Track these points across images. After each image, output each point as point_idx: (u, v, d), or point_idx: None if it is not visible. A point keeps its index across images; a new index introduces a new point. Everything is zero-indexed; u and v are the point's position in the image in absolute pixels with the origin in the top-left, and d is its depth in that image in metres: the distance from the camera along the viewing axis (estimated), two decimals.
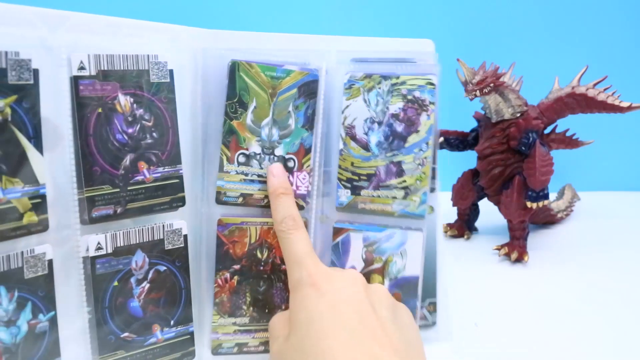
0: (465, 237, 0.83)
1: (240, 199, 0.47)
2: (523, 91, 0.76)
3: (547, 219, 0.89)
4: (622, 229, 0.88)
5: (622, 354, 0.51)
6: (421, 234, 0.48)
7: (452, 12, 1.04)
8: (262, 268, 0.48)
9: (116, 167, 0.41)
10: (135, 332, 0.43)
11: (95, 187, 0.41)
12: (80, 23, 0.41)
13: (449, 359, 0.51)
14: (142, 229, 0.43)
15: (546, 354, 0.51)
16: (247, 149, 0.47)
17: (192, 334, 0.46)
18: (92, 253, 0.41)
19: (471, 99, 0.73)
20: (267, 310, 0.48)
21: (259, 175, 0.47)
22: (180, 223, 0.45)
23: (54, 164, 0.40)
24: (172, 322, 0.45)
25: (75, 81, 0.40)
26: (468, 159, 0.85)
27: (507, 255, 0.74)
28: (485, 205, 0.85)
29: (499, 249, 0.76)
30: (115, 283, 0.42)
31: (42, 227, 0.38)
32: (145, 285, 0.43)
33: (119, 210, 0.41)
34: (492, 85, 0.71)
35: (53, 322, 0.39)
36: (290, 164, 0.48)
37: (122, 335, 0.42)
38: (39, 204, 0.38)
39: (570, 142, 0.82)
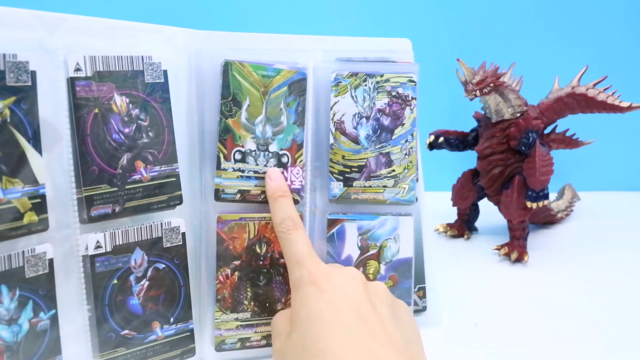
0: (465, 237, 0.83)
1: (238, 196, 0.47)
2: (523, 91, 0.76)
3: (547, 219, 0.89)
4: (622, 229, 0.87)
5: (622, 354, 0.50)
6: (412, 219, 0.50)
7: (452, 12, 1.04)
8: (261, 263, 0.48)
9: (114, 167, 0.42)
10: (135, 329, 0.43)
11: (94, 187, 0.41)
12: (77, 25, 0.42)
13: (440, 343, 0.51)
14: (141, 227, 0.43)
15: (546, 354, 0.50)
16: (242, 146, 0.47)
17: (192, 331, 0.46)
18: (91, 252, 0.41)
19: (471, 99, 0.73)
20: (267, 304, 0.48)
21: (255, 172, 0.48)
22: (179, 221, 0.45)
23: (53, 164, 0.40)
24: (171, 320, 0.45)
25: (72, 82, 0.40)
26: (468, 159, 0.85)
27: (507, 255, 0.74)
28: (485, 205, 0.85)
29: (499, 249, 0.75)
30: (115, 281, 0.42)
31: (43, 226, 0.39)
32: (145, 283, 0.43)
33: (117, 209, 0.42)
34: (492, 85, 0.71)
35: (54, 320, 0.39)
36: (284, 159, 0.48)
37: (122, 333, 0.42)
38: (39, 203, 0.38)
39: (570, 142, 0.82)
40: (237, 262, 0.48)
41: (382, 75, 0.48)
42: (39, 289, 0.39)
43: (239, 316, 0.48)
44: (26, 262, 0.38)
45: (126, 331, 0.42)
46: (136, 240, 0.43)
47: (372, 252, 0.49)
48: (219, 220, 0.47)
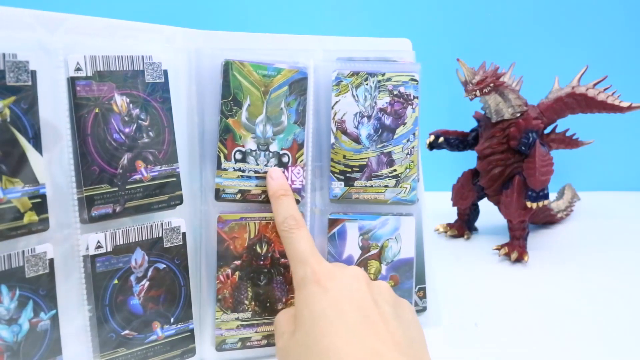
0: (465, 237, 0.83)
1: (239, 196, 0.47)
2: (523, 91, 0.76)
3: (547, 219, 0.89)
4: (622, 229, 0.87)
5: (622, 354, 0.50)
6: (413, 219, 0.50)
7: (452, 12, 1.04)
8: (262, 262, 0.48)
9: (114, 167, 0.42)
10: (135, 329, 0.43)
11: (94, 187, 0.41)
12: (76, 25, 0.41)
13: (440, 343, 0.51)
14: (141, 227, 0.43)
15: (546, 354, 0.50)
16: (243, 146, 0.47)
17: (192, 331, 0.46)
18: (92, 252, 0.41)
19: (471, 99, 0.72)
20: (268, 304, 0.48)
21: (255, 172, 0.47)
22: (179, 221, 0.45)
23: (53, 164, 0.40)
24: (172, 320, 0.44)
25: (72, 82, 0.40)
26: (468, 159, 0.84)
27: (507, 255, 0.74)
28: (485, 205, 0.84)
29: (499, 249, 0.75)
30: (115, 281, 0.42)
31: (43, 226, 0.38)
32: (145, 283, 0.43)
33: (117, 209, 0.41)
34: (492, 85, 0.71)
35: (54, 320, 0.39)
36: (285, 159, 0.48)
37: (122, 333, 0.42)
38: (39, 203, 0.38)
39: (570, 142, 0.81)
40: (237, 262, 0.48)
41: (383, 74, 0.48)
42: (39, 289, 0.38)
43: (240, 316, 0.48)
44: (26, 262, 0.38)
45: (127, 331, 0.42)
46: (137, 240, 0.43)
47: (373, 252, 0.49)
48: (219, 220, 0.47)
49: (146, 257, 0.43)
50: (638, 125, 1.07)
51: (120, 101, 0.42)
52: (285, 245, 0.44)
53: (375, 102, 0.48)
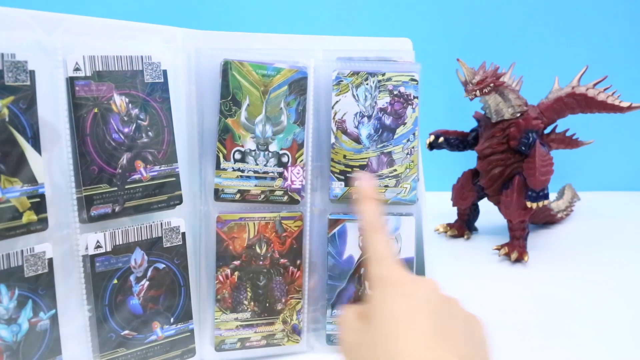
0: (465, 237, 0.82)
1: (238, 196, 0.47)
2: (523, 91, 0.76)
3: (547, 219, 0.89)
4: (622, 229, 0.87)
5: (622, 354, 0.50)
6: (413, 219, 0.50)
7: (452, 12, 1.04)
8: (261, 263, 0.48)
9: (113, 166, 0.41)
10: (135, 329, 0.43)
11: (93, 186, 0.41)
12: (75, 25, 0.41)
13: None
14: (141, 227, 0.43)
15: (546, 354, 0.50)
16: (242, 146, 0.47)
17: (192, 331, 0.46)
18: (91, 251, 0.41)
19: (471, 99, 0.72)
20: (267, 304, 0.48)
21: (255, 172, 0.47)
22: (178, 221, 0.45)
23: (52, 163, 0.40)
24: (172, 320, 0.44)
25: (71, 82, 0.40)
26: (468, 159, 0.84)
27: (507, 255, 0.74)
28: (485, 205, 0.84)
29: (499, 249, 0.75)
30: (115, 281, 0.42)
31: (42, 226, 0.38)
32: (145, 283, 0.43)
33: (117, 208, 0.41)
34: (492, 85, 0.71)
35: (54, 320, 0.39)
36: (284, 159, 0.48)
37: (122, 333, 0.42)
38: (38, 203, 0.38)
39: (570, 142, 0.81)
40: (237, 262, 0.47)
41: (383, 74, 0.48)
42: (38, 289, 0.38)
43: (239, 316, 0.48)
44: (25, 262, 0.38)
45: (126, 331, 0.42)
46: (136, 240, 0.43)
47: None
48: (218, 220, 0.47)
49: (146, 257, 0.43)
50: (638, 125, 1.07)
51: (120, 101, 0.42)
52: (366, 245, 0.43)
53: (376, 102, 0.47)
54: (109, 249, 0.41)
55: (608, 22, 1.05)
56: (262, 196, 0.48)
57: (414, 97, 0.48)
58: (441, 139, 0.80)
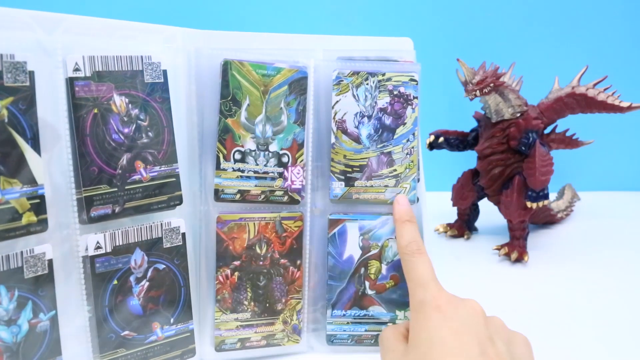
0: (465, 237, 0.82)
1: (238, 196, 0.47)
2: (523, 91, 0.76)
3: (547, 219, 0.89)
4: (622, 229, 0.87)
5: (622, 354, 0.51)
6: None
7: (452, 12, 1.04)
8: (261, 263, 0.48)
9: (113, 167, 0.41)
10: (135, 330, 0.43)
11: (93, 187, 0.41)
12: (75, 25, 0.41)
13: None
14: (141, 228, 0.43)
15: (546, 354, 0.50)
16: (242, 146, 0.47)
17: (192, 331, 0.46)
18: (91, 252, 0.41)
19: (471, 99, 0.72)
20: (267, 305, 0.48)
21: (255, 172, 0.47)
22: (179, 221, 0.45)
23: (52, 164, 0.40)
24: (172, 320, 0.44)
25: (70, 82, 0.40)
26: (468, 159, 0.85)
27: (507, 255, 0.74)
28: (485, 205, 0.84)
29: (499, 249, 0.75)
30: (115, 282, 0.42)
31: (42, 227, 0.38)
32: (145, 283, 0.43)
33: (117, 209, 0.41)
34: (492, 85, 0.71)
35: (54, 321, 0.39)
36: (285, 159, 0.48)
37: (122, 334, 0.42)
38: (38, 204, 0.38)
39: (570, 142, 0.81)
40: (237, 263, 0.47)
41: (383, 74, 0.48)
42: (38, 290, 0.38)
43: (239, 316, 0.48)
44: (25, 263, 0.38)
45: (126, 332, 0.42)
46: (136, 240, 0.43)
47: (373, 252, 0.49)
48: (218, 220, 0.47)
49: (146, 258, 0.43)
50: (638, 125, 1.07)
51: (119, 101, 0.42)
52: (406, 268, 0.44)
53: (376, 102, 0.47)
54: (109, 250, 0.41)
55: (608, 22, 1.05)
56: (262, 196, 0.48)
57: (414, 97, 0.48)
58: (441, 139, 0.80)
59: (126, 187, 0.42)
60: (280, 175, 0.48)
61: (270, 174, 0.48)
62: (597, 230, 0.86)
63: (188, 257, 0.45)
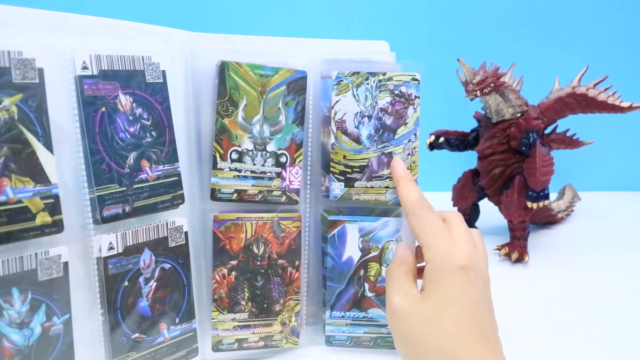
0: None
1: (235, 195, 0.53)
2: (523, 91, 0.84)
3: (548, 219, 0.99)
4: (622, 229, 0.97)
5: (622, 354, 0.58)
6: None
7: (452, 12, 1.14)
8: (259, 263, 0.54)
9: (122, 166, 0.46)
10: (144, 332, 0.48)
11: (104, 186, 0.46)
12: (79, 25, 0.47)
13: None
14: (149, 227, 0.48)
15: (546, 354, 0.57)
16: (239, 146, 0.52)
17: (195, 330, 0.51)
18: (104, 253, 0.45)
19: (471, 99, 0.80)
20: (265, 305, 0.54)
21: (252, 172, 0.53)
22: (182, 220, 0.50)
23: (64, 163, 0.44)
24: (177, 320, 0.50)
25: (80, 80, 0.44)
26: (468, 159, 0.93)
27: (508, 255, 0.83)
28: (486, 205, 0.93)
29: (499, 249, 0.84)
30: (126, 283, 0.47)
31: (57, 228, 0.43)
32: (153, 284, 0.48)
33: (127, 209, 0.46)
34: (492, 85, 0.78)
35: (67, 325, 0.44)
36: (283, 159, 0.54)
37: (133, 337, 0.47)
38: (53, 204, 0.43)
39: (570, 142, 0.90)
40: (234, 262, 0.53)
41: (384, 74, 0.55)
42: (52, 293, 0.43)
43: (236, 316, 0.53)
44: (39, 265, 0.42)
45: (136, 334, 0.47)
46: (145, 240, 0.47)
47: (373, 254, 0.55)
48: (215, 219, 0.53)
49: (153, 258, 0.48)
50: (638, 125, 1.19)
51: (125, 100, 0.47)
52: (418, 222, 0.49)
53: (376, 102, 0.54)
54: (120, 250, 0.46)
55: (608, 22, 1.17)
56: (260, 196, 0.53)
57: (415, 97, 0.55)
58: (441, 139, 0.90)
59: (134, 186, 0.47)
60: (278, 175, 0.54)
61: (268, 174, 0.54)
62: (597, 230, 0.97)
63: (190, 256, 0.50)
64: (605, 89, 0.83)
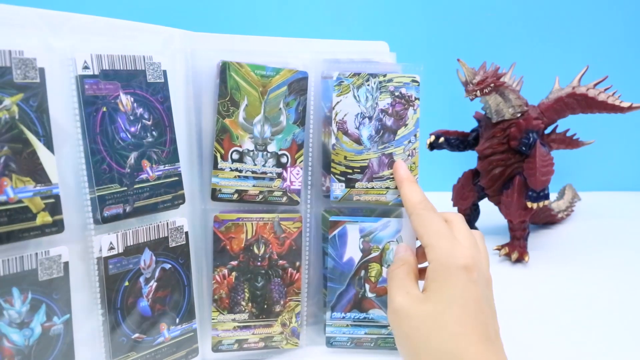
0: None
1: (235, 196, 0.53)
2: (523, 91, 0.85)
3: (548, 219, 1.00)
4: (622, 229, 0.98)
5: (622, 354, 0.58)
6: None
7: (453, 12, 1.15)
8: (259, 264, 0.54)
9: (122, 166, 0.47)
10: (144, 332, 0.48)
11: (105, 186, 0.46)
12: (81, 24, 0.47)
13: None
14: (149, 227, 0.48)
15: (546, 354, 0.58)
16: (240, 146, 0.52)
17: (195, 330, 0.52)
18: (105, 253, 0.46)
19: (472, 99, 0.81)
20: (265, 306, 0.54)
21: (253, 172, 0.53)
22: (182, 220, 0.50)
23: (65, 162, 0.45)
24: (177, 320, 0.50)
25: (81, 80, 0.44)
26: (468, 159, 0.94)
27: (508, 255, 0.83)
28: (486, 206, 0.93)
29: (499, 249, 0.84)
30: (126, 283, 0.47)
31: (57, 228, 0.43)
32: (153, 284, 0.48)
33: (127, 209, 0.46)
34: (492, 85, 0.79)
35: (68, 325, 0.44)
36: (284, 159, 0.54)
37: (133, 337, 0.47)
38: (53, 204, 0.43)
39: (570, 142, 0.91)
40: (234, 263, 0.53)
41: (385, 75, 0.56)
42: (52, 293, 0.43)
43: (237, 317, 0.53)
44: (39, 265, 0.42)
45: (137, 334, 0.47)
46: (145, 240, 0.48)
47: (374, 254, 0.56)
48: (215, 219, 0.53)
49: (154, 258, 0.48)
50: (638, 125, 1.20)
51: (125, 100, 0.47)
52: (421, 223, 0.49)
53: (377, 103, 0.55)
54: (120, 251, 0.46)
55: (608, 22, 1.18)
56: (261, 196, 0.54)
57: (415, 99, 0.56)
58: (442, 139, 0.90)
59: (135, 186, 0.47)
60: (279, 175, 0.54)
61: (269, 175, 0.54)
62: (597, 230, 0.97)
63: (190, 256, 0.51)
64: (605, 89, 0.84)
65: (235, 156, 0.53)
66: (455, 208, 0.94)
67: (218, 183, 0.53)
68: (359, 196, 0.55)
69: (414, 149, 0.56)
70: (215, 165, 0.53)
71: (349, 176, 0.55)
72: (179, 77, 0.52)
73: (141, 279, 0.48)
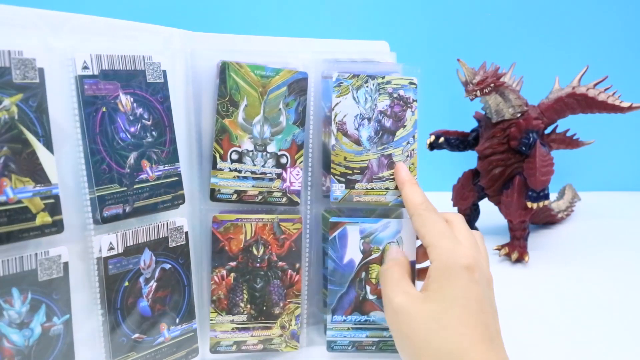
0: None
1: (235, 196, 0.53)
2: (523, 91, 0.85)
3: (548, 219, 1.00)
4: (622, 229, 0.99)
5: (622, 354, 0.59)
6: None
7: (453, 12, 1.16)
8: (258, 265, 0.54)
9: (122, 166, 0.47)
10: (144, 332, 0.48)
11: (105, 186, 0.46)
12: (80, 24, 0.47)
13: None
14: (149, 227, 0.49)
15: (546, 354, 0.58)
16: (239, 147, 0.53)
17: (195, 330, 0.52)
18: (104, 254, 0.46)
19: (471, 99, 0.81)
20: (264, 308, 0.54)
21: (252, 172, 0.53)
22: (182, 220, 0.51)
23: (65, 163, 0.45)
24: (177, 320, 0.50)
25: (80, 80, 0.44)
26: (468, 159, 0.95)
27: (508, 255, 0.84)
28: (486, 206, 0.94)
29: (499, 249, 0.85)
30: (126, 283, 0.47)
31: (57, 228, 0.44)
32: (153, 284, 0.49)
33: (127, 209, 0.47)
34: (492, 85, 0.79)
35: (68, 325, 0.44)
36: (283, 160, 0.54)
37: (133, 337, 0.48)
38: (53, 204, 0.43)
39: (570, 142, 0.91)
40: (233, 263, 0.54)
41: (383, 77, 0.56)
42: (52, 293, 0.44)
43: (235, 318, 0.54)
44: (39, 265, 0.43)
45: (137, 334, 0.48)
46: (145, 240, 0.48)
47: (374, 255, 0.56)
48: (214, 220, 0.53)
49: (154, 258, 0.48)
50: (638, 125, 1.21)
51: (125, 100, 0.47)
52: (423, 223, 0.50)
53: (376, 105, 0.55)
54: (120, 251, 0.47)
55: (608, 22, 1.19)
56: (260, 197, 0.54)
57: (413, 100, 0.57)
58: (441, 139, 0.91)
59: (134, 187, 0.48)
60: (279, 176, 0.54)
61: (268, 175, 0.54)
62: (597, 230, 0.98)
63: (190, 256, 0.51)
64: (605, 89, 0.85)
65: (235, 156, 0.54)
66: (455, 208, 0.94)
67: (217, 183, 0.53)
68: (359, 197, 0.55)
69: (413, 150, 0.57)
70: (214, 166, 0.53)
71: (348, 177, 0.55)
72: (178, 77, 0.53)
73: (141, 279, 0.48)
